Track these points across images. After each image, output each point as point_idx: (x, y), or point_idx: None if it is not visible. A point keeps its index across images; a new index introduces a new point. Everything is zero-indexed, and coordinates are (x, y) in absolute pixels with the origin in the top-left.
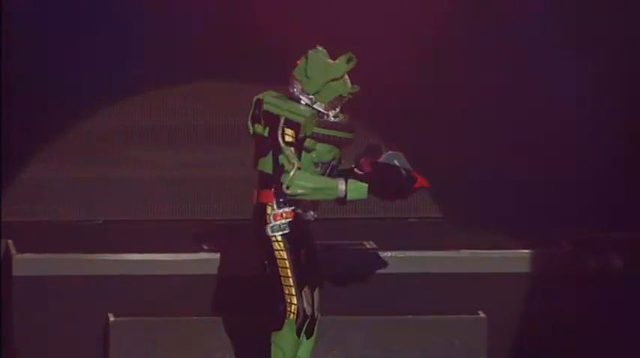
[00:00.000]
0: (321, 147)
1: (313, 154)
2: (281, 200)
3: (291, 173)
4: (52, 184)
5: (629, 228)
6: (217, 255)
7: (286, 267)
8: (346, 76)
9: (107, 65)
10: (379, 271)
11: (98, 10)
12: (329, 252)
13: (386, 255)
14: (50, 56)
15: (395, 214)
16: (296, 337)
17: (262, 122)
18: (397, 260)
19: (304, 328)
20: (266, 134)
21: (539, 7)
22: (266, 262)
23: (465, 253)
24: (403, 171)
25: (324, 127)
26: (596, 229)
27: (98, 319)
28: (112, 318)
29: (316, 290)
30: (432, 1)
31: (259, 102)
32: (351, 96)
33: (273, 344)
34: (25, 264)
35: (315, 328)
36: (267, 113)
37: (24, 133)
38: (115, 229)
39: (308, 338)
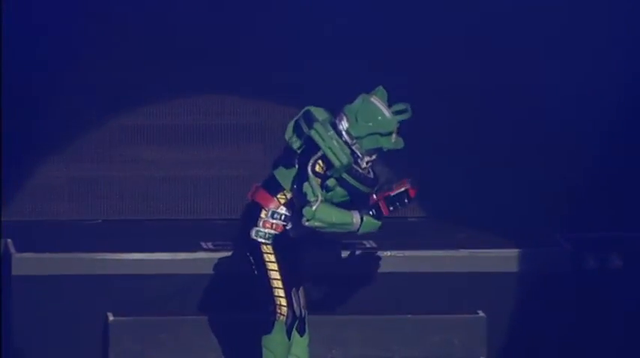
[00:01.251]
0: (339, 189)
1: (330, 193)
2: (278, 211)
3: (314, 207)
4: (52, 184)
5: (629, 228)
6: (216, 254)
7: (275, 270)
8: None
9: (107, 65)
10: (379, 270)
11: (98, 10)
12: (329, 252)
13: (386, 254)
14: (50, 56)
15: (395, 214)
16: (286, 339)
17: (301, 139)
18: (397, 259)
19: (294, 328)
20: (298, 151)
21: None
22: (252, 262)
23: (464, 252)
24: (406, 200)
25: (352, 176)
26: (596, 228)
27: (97, 318)
28: (111, 318)
29: (300, 289)
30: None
31: (308, 115)
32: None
33: (264, 348)
34: (25, 263)
35: (306, 325)
36: (311, 138)
37: (24, 133)
38: (114, 228)
39: (302, 336)
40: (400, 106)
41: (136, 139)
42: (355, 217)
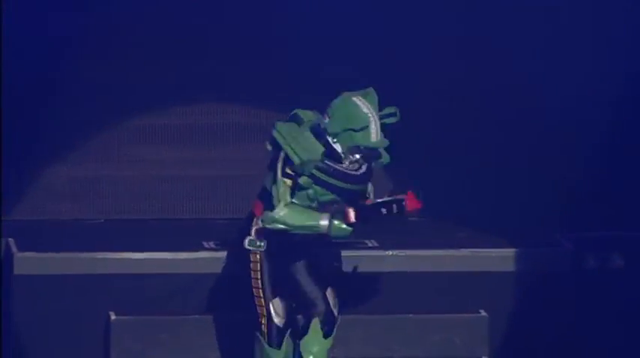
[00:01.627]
0: (318, 187)
1: (310, 191)
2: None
3: (274, 211)
4: (53, 183)
5: (629, 227)
6: (218, 254)
7: (257, 278)
8: (374, 129)
9: (107, 64)
10: (380, 270)
11: (99, 10)
12: (329, 252)
13: (387, 253)
14: (50, 55)
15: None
16: (266, 346)
17: (269, 142)
18: (398, 258)
19: (325, 329)
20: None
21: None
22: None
23: (465, 252)
24: (394, 207)
25: (324, 173)
26: (596, 228)
27: (99, 317)
28: (113, 317)
29: (329, 289)
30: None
31: (292, 119)
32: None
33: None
34: (26, 262)
35: (335, 328)
36: (275, 139)
37: (25, 133)
38: (116, 228)
39: (326, 337)
40: (390, 109)
41: (137, 139)
42: (323, 220)
